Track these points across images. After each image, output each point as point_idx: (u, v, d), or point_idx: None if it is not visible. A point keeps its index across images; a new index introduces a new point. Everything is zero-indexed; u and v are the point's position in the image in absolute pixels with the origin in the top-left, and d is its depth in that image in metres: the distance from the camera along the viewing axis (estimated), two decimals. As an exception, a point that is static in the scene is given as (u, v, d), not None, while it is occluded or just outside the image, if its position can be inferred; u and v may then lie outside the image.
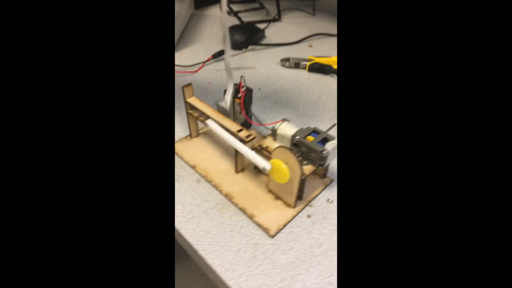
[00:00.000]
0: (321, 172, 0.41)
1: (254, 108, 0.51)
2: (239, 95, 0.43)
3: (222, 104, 0.44)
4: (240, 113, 0.44)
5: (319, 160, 0.36)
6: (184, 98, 0.41)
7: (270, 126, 0.40)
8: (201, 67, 0.63)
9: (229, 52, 0.40)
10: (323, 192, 0.39)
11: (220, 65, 0.65)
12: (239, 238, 0.34)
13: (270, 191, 0.39)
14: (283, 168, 0.33)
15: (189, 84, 0.41)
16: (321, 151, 0.35)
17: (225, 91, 0.44)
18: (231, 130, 0.37)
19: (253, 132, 0.47)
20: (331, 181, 0.41)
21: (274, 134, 0.39)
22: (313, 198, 0.38)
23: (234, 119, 0.45)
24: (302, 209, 0.37)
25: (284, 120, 0.39)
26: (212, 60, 0.66)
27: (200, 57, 0.66)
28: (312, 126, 0.38)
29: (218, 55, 0.66)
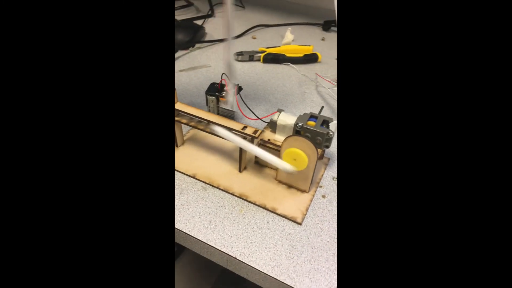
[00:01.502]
0: (320, 154, 0.43)
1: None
2: (223, 93, 0.42)
3: (225, 106, 0.42)
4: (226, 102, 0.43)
5: (325, 142, 0.37)
6: (171, 105, 0.38)
7: (267, 119, 0.40)
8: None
9: (231, 50, 0.38)
10: (326, 171, 0.41)
11: (179, 64, 0.61)
12: (271, 233, 0.34)
13: (280, 182, 0.39)
14: (303, 155, 0.34)
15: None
16: (327, 133, 0.36)
17: (209, 92, 0.42)
18: (236, 129, 0.36)
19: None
20: (329, 160, 0.43)
21: (273, 125, 0.39)
22: (320, 179, 0.40)
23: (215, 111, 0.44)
24: (315, 191, 0.39)
25: (279, 110, 0.40)
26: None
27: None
28: (294, 110, 0.39)
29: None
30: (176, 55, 0.65)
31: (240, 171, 0.40)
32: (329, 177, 0.41)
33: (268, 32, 0.78)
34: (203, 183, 0.39)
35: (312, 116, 0.39)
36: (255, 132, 0.36)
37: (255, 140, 0.36)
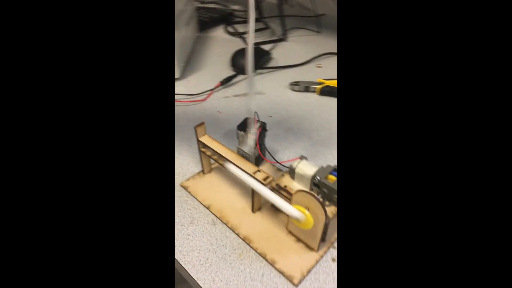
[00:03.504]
0: (342, 209, 0.39)
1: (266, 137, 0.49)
2: (242, 134, 0.42)
3: (244, 148, 0.42)
4: (255, 147, 0.43)
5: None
6: (197, 137, 0.40)
7: (287, 164, 0.39)
8: (209, 95, 0.62)
9: (252, 95, 0.38)
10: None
11: (229, 91, 0.64)
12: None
13: (290, 232, 0.37)
14: (307, 215, 0.31)
15: (202, 124, 0.40)
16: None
17: (240, 127, 0.42)
18: (248, 172, 0.35)
19: (266, 168, 0.45)
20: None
21: (292, 172, 0.37)
22: (336, 239, 0.36)
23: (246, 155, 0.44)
24: (326, 252, 0.35)
25: (302, 157, 0.38)
26: (221, 87, 0.65)
27: (207, 84, 0.65)
28: (329, 156, 0.36)
29: (226, 81, 0.65)
30: (236, 79, 0.68)
31: (253, 211, 0.39)
32: (348, 238, 0.37)
33: (334, 61, 0.75)
34: (214, 216, 0.39)
35: (335, 170, 0.35)
36: (266, 178, 0.34)
37: (268, 185, 0.34)
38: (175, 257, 0.35)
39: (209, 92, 0.62)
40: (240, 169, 0.36)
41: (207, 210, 0.40)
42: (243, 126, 0.42)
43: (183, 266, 0.34)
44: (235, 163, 0.36)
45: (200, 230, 0.38)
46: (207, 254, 0.35)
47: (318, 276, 0.33)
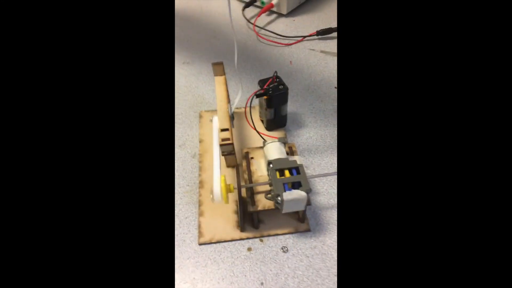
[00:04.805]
0: (300, 215, 0.34)
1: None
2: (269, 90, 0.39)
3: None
4: (267, 109, 0.40)
5: (276, 202, 0.30)
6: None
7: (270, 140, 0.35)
8: (297, 41, 0.57)
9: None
10: (287, 236, 0.33)
11: (320, 44, 0.57)
12: (179, 228, 0.34)
13: (236, 201, 0.36)
14: (222, 188, 0.29)
15: (220, 63, 0.39)
16: (277, 195, 0.28)
17: (260, 82, 0.39)
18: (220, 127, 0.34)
19: (278, 135, 0.42)
20: (307, 230, 0.33)
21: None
22: (271, 236, 0.33)
23: (262, 115, 0.42)
24: (250, 238, 0.33)
25: (280, 139, 0.33)
26: (316, 37, 0.58)
27: (307, 29, 0.59)
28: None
29: (324, 33, 0.57)
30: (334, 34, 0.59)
31: (227, 166, 0.39)
32: (283, 243, 0.33)
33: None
34: (198, 151, 0.41)
35: (296, 169, 0.30)
36: (225, 139, 0.33)
37: (220, 148, 0.33)
38: None
39: (299, 39, 0.57)
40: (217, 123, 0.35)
41: (197, 143, 0.42)
42: (263, 82, 0.39)
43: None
44: (220, 113, 0.36)
45: (179, 156, 0.41)
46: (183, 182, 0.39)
47: (222, 251, 0.32)
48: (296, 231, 0.33)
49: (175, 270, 0.31)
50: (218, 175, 0.32)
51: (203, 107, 0.47)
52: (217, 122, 0.35)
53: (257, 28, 0.60)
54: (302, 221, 0.34)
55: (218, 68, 0.40)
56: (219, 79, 0.40)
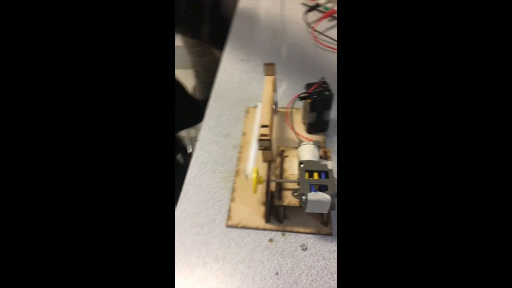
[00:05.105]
0: (324, 218, 0.35)
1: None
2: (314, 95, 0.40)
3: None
4: (309, 112, 0.41)
5: (300, 201, 0.31)
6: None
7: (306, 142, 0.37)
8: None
9: None
10: (309, 235, 0.35)
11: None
12: (211, 208, 0.38)
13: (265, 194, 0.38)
14: (253, 177, 0.32)
15: (271, 64, 0.41)
16: (302, 194, 0.30)
17: (307, 85, 0.41)
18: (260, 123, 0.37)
19: (317, 138, 0.43)
20: (329, 234, 0.34)
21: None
22: (293, 232, 0.35)
23: (305, 118, 0.43)
24: (272, 230, 0.35)
25: (314, 142, 0.35)
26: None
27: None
28: None
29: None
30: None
31: (263, 161, 0.41)
32: (303, 241, 0.34)
33: None
34: (238, 142, 0.44)
35: (325, 173, 0.32)
36: (264, 135, 0.35)
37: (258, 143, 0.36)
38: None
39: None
40: (259, 118, 0.38)
41: (240, 135, 0.45)
42: (309, 86, 0.41)
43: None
44: (264, 110, 0.38)
45: (222, 145, 0.45)
46: (208, 159, 0.43)
47: (245, 236, 0.35)
48: (318, 233, 0.35)
49: (202, 245, 0.35)
50: (254, 156, 0.35)
51: (252, 103, 0.50)
52: (259, 116, 0.38)
53: (316, 33, 0.61)
54: (325, 225, 0.35)
55: (269, 68, 0.42)
56: (269, 79, 0.42)
